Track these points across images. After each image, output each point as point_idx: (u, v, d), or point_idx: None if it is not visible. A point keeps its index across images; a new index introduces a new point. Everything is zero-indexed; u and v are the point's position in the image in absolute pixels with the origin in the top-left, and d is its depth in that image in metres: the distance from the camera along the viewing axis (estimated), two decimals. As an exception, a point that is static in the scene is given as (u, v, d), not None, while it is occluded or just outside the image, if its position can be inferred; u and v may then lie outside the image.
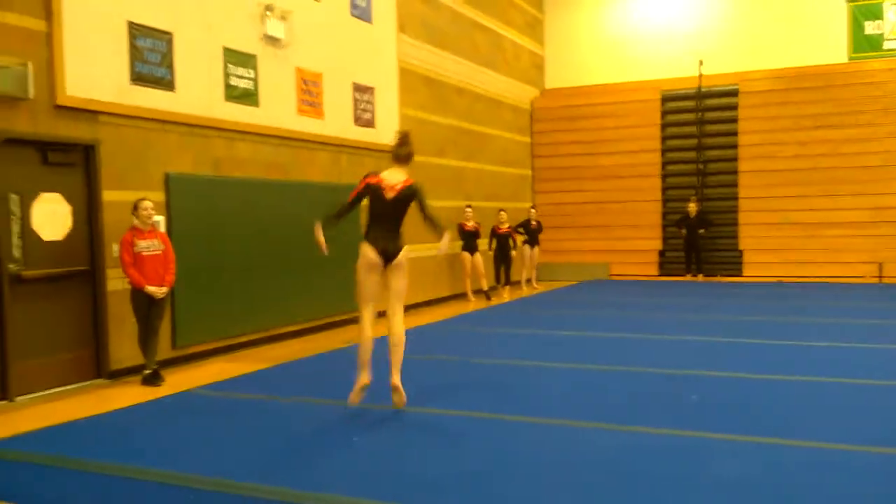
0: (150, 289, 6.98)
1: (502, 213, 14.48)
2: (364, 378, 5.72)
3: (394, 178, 5.85)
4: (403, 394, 5.75)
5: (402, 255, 5.80)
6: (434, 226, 5.88)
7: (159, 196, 7.87)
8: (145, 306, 7.04)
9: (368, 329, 5.81)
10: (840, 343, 8.36)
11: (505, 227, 14.40)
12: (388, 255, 5.76)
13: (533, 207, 16.01)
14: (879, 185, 15.39)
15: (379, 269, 5.79)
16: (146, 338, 7.10)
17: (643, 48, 17.58)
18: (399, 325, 5.84)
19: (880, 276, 15.22)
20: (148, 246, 7.03)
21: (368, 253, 5.76)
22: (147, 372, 7.08)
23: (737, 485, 4.06)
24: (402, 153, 5.96)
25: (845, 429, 5.10)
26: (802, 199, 15.96)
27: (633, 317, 10.97)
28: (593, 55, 18.08)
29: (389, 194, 5.78)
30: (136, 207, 7.06)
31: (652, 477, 4.21)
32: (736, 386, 6.46)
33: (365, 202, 5.92)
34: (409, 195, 5.82)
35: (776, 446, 4.73)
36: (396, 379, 5.72)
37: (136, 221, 7.06)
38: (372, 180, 5.85)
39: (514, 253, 14.58)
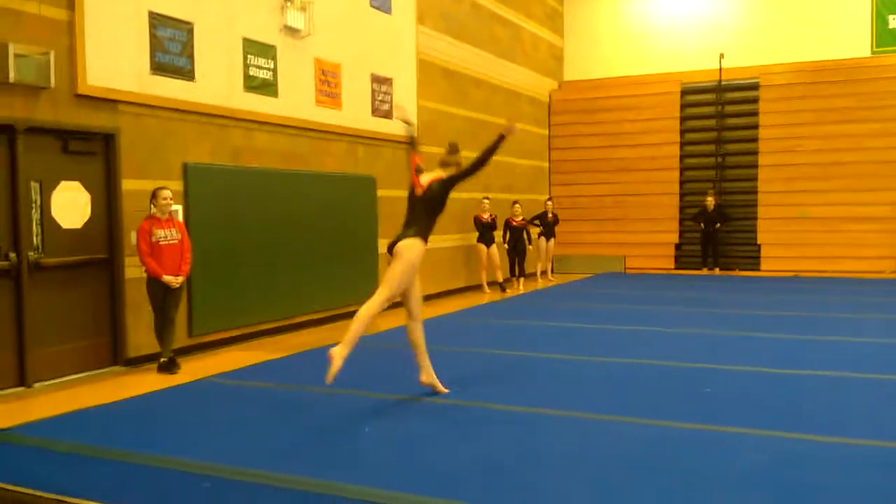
0: (167, 278, 7.02)
1: (516, 205, 14.45)
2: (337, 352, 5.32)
3: (428, 177, 5.95)
4: (334, 364, 5.25)
5: (403, 244, 5.74)
6: (483, 155, 5.79)
7: (177, 185, 7.92)
8: (161, 296, 7.09)
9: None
10: (858, 338, 8.29)
11: (519, 220, 14.37)
12: (394, 245, 5.80)
13: (549, 199, 15.97)
14: (901, 180, 15.24)
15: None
16: (162, 327, 7.16)
17: (663, 41, 17.46)
18: (363, 305, 5.63)
19: (900, 273, 15.08)
20: (165, 235, 7.07)
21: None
22: (163, 360, 7.14)
23: (749, 478, 4.05)
24: (443, 159, 6.10)
25: (860, 423, 5.08)
26: (823, 194, 15.82)
27: (649, 310, 10.93)
28: (613, 47, 17.96)
29: (418, 191, 5.91)
30: (154, 196, 7.11)
31: (666, 469, 4.21)
32: (751, 380, 6.43)
33: None
34: (433, 189, 5.86)
35: (789, 440, 4.71)
36: (334, 350, 5.28)
37: (154, 210, 7.10)
38: (414, 177, 5.99)
39: (530, 248, 14.59)
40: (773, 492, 3.89)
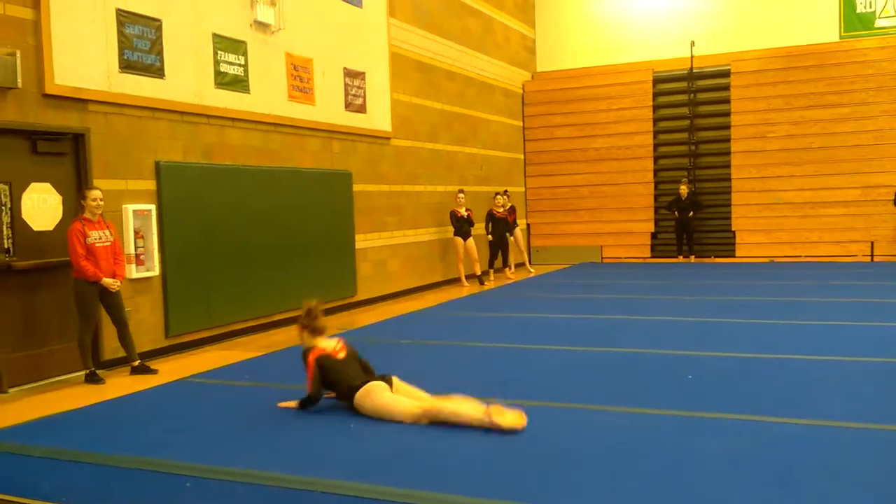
0: (107, 281, 6.78)
1: (498, 196, 14.44)
2: None
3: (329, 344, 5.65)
4: None
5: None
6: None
7: (150, 184, 7.83)
8: (93, 300, 6.78)
9: None
10: (833, 321, 8.38)
11: (501, 211, 14.39)
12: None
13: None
14: (871, 163, 15.42)
15: None
16: (88, 335, 6.79)
17: (634, 29, 17.52)
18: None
19: (872, 255, 15.27)
20: (100, 237, 6.80)
21: None
22: (135, 364, 7.06)
23: (731, 461, 4.07)
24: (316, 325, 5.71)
25: (838, 405, 5.12)
26: (795, 179, 15.98)
27: (626, 299, 10.98)
28: (584, 37, 18.00)
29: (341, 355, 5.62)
30: (84, 197, 6.76)
31: (650, 454, 4.22)
32: (732, 365, 6.47)
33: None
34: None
35: (772, 424, 4.74)
36: None
37: (84, 212, 6.78)
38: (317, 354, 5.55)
39: (511, 238, 14.69)
40: (755, 474, 3.91)
